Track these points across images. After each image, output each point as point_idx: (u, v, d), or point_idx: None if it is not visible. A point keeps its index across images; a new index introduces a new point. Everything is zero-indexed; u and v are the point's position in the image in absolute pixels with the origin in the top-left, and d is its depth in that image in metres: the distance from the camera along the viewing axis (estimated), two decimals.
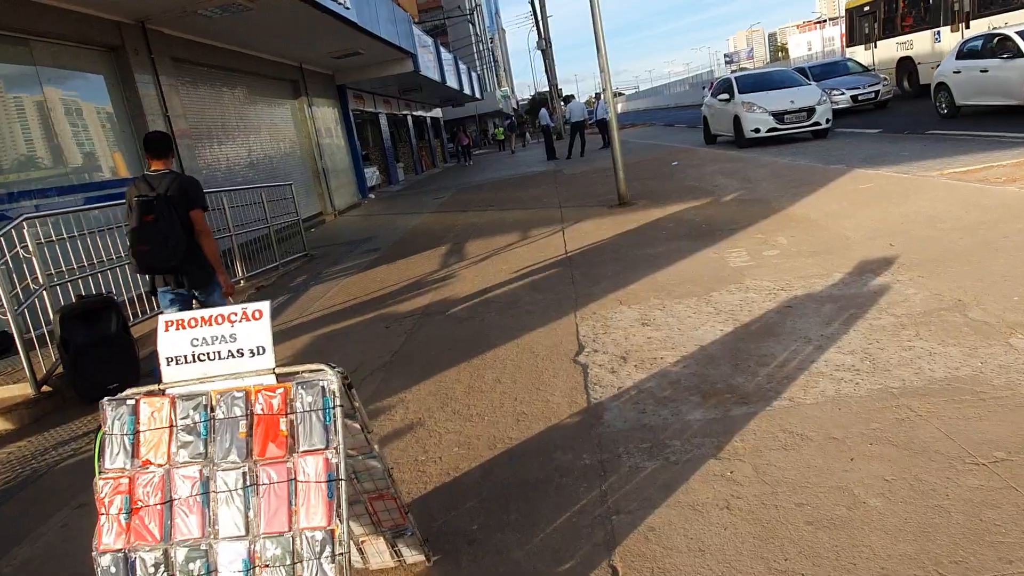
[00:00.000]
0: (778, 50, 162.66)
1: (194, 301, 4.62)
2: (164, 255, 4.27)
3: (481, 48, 54.63)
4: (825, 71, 18.38)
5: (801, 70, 18.06)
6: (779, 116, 14.10)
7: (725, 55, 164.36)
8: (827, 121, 14.13)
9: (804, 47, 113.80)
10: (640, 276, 5.92)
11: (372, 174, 21.91)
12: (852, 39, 21.05)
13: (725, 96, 15.49)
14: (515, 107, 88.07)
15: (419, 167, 29.64)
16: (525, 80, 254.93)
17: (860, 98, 17.39)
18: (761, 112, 14.24)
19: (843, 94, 17.33)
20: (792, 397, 3.28)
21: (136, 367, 5.31)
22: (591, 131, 25.10)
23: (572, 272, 6.52)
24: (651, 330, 4.55)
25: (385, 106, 24.36)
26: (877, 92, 17.39)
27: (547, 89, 43.40)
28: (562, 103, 40.44)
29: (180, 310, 4.32)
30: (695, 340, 4.23)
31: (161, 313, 3.57)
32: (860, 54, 20.21)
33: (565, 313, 5.27)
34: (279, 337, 6.08)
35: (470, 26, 49.92)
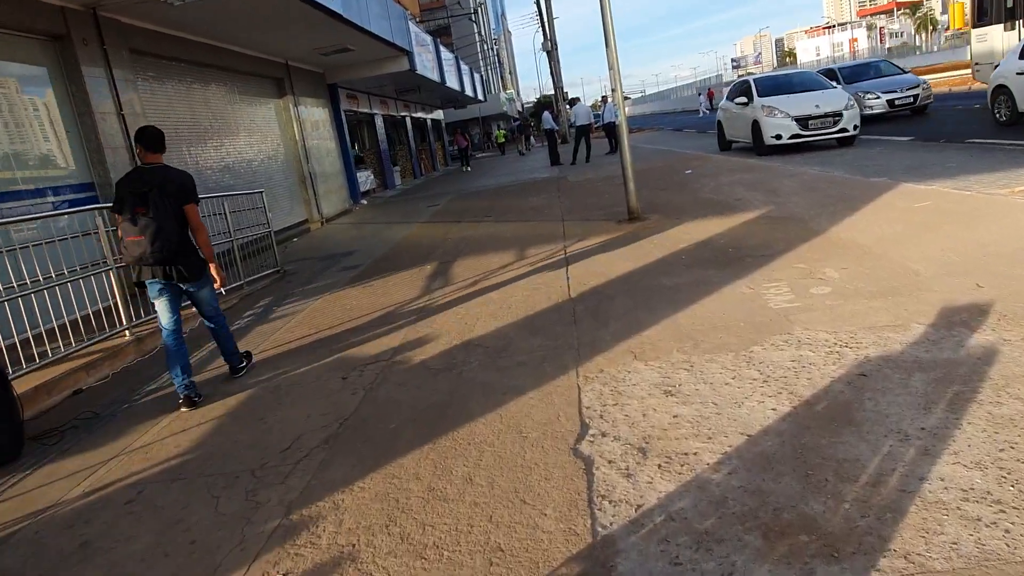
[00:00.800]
0: (785, 55, 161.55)
1: (183, 294, 4.68)
2: (156, 247, 4.26)
3: (485, 49, 53.59)
4: (856, 73, 17.04)
5: (829, 71, 16.87)
6: (803, 121, 12.96)
7: (732, 59, 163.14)
8: (855, 128, 13.01)
9: (812, 52, 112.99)
10: (658, 316, 4.79)
11: (366, 178, 20.83)
12: (984, 15, 15.63)
13: (743, 100, 14.36)
14: (520, 110, 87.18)
15: (418, 171, 28.55)
16: (530, 83, 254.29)
17: (897, 102, 16.06)
18: (783, 117, 13.11)
19: (878, 98, 16.03)
20: (908, 551, 2.14)
21: (19, 434, 4.19)
22: (597, 135, 23.98)
23: (575, 307, 5.39)
24: (677, 403, 3.42)
25: (381, 107, 23.28)
26: (916, 96, 16.03)
27: (552, 92, 42.37)
28: (567, 106, 39.40)
29: (170, 301, 4.53)
30: (739, 424, 3.10)
31: None
32: (996, 36, 15.15)
33: (565, 368, 4.15)
34: (216, 384, 4.97)
35: (474, 26, 48.87)
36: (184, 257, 4.47)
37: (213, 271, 4.69)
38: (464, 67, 30.18)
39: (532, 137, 33.27)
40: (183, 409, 4.53)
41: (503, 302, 5.94)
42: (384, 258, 9.55)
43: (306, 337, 5.91)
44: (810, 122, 12.95)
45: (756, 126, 13.69)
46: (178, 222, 4.39)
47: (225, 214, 8.42)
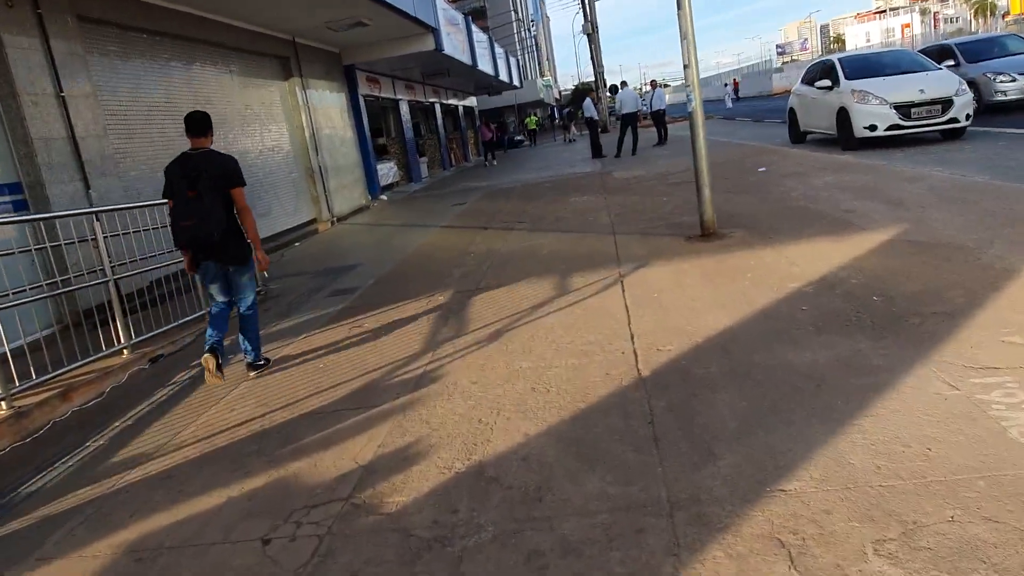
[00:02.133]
0: (832, 41, 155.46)
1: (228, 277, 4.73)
2: (206, 231, 4.37)
3: (523, 33, 51.32)
4: (978, 50, 14.05)
5: (945, 49, 14.15)
6: (903, 109, 10.69)
7: (777, 46, 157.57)
8: (967, 117, 10.74)
9: (862, 38, 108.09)
10: (803, 444, 2.77)
11: (388, 171, 18.97)
12: None
13: (825, 83, 12.08)
14: (557, 97, 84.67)
15: (447, 162, 26.62)
16: (567, 71, 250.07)
17: None
18: (879, 104, 10.83)
19: (1014, 80, 12.92)
20: None
21: None
22: (644, 124, 21.75)
23: (650, 402, 3.39)
24: None
25: (407, 92, 21.36)
26: None
27: (592, 79, 39.98)
28: (607, 93, 37.06)
29: (222, 282, 4.73)
30: None
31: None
32: None
33: (656, 567, 2.16)
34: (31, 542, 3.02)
35: (510, 6, 46.65)
36: (232, 240, 4.57)
37: (258, 254, 4.73)
38: (499, 50, 28.10)
39: (573, 126, 30.84)
40: (206, 355, 4.53)
41: (538, 376, 3.95)
42: (389, 278, 7.62)
43: (242, 427, 3.99)
44: (913, 110, 10.67)
45: (843, 114, 11.42)
46: (225, 206, 4.50)
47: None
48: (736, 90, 57.28)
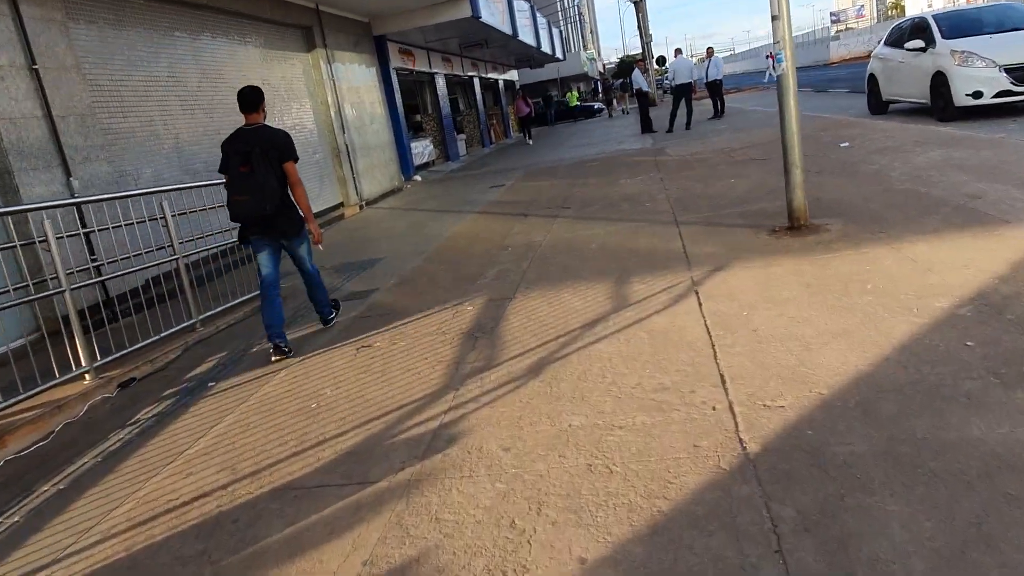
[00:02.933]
0: (891, 8, 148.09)
1: (282, 250, 4.84)
2: (260, 204, 4.42)
3: (566, 3, 49.43)
4: None
5: None
6: (1017, 72, 9.10)
7: (832, 13, 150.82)
8: None
9: (923, 2, 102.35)
10: None
11: (423, 149, 17.90)
12: None
13: (917, 44, 10.51)
14: (601, 71, 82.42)
15: (487, 139, 25.42)
16: (611, 44, 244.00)
17: None
18: (986, 66, 9.28)
19: None
20: None
21: None
22: (699, 96, 20.15)
23: (772, 513, 2.22)
24: None
25: (444, 65, 20.17)
26: None
27: (639, 51, 38.04)
28: (654, 64, 35.20)
29: (271, 256, 4.79)
30: None
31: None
32: None
33: None
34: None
35: None
36: (285, 214, 4.64)
37: (312, 227, 4.88)
38: (541, 20, 26.63)
39: (615, 100, 29.10)
40: (273, 358, 4.59)
41: (595, 444, 2.82)
42: (413, 277, 6.55)
43: (193, 505, 2.95)
44: None
45: (940, 80, 9.87)
46: (279, 180, 4.54)
47: (166, 219, 5.54)
48: (775, 64, 54.31)
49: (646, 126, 18.07)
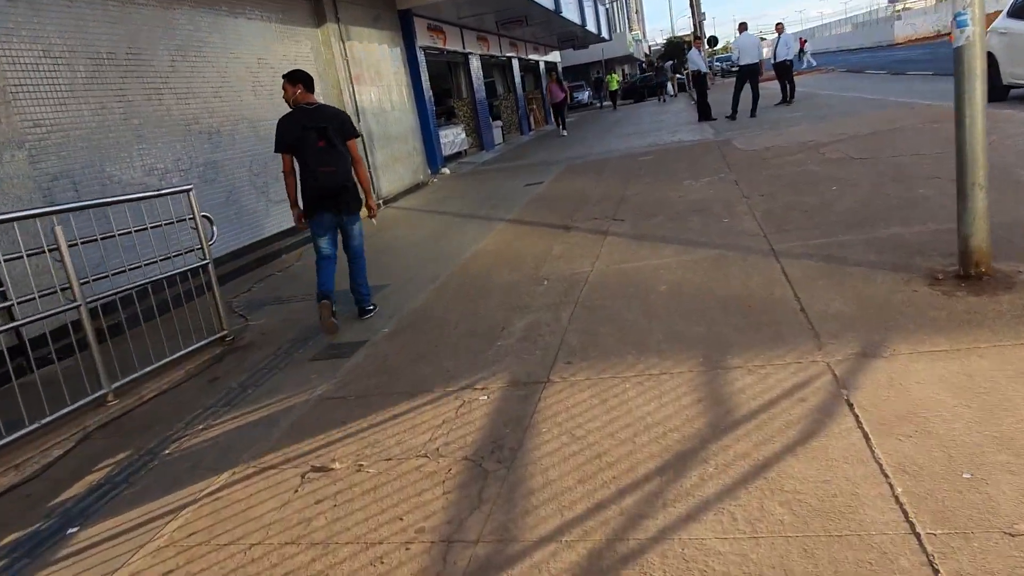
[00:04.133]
0: None
1: (338, 228, 4.99)
2: (341, 177, 4.68)
3: None
4: None
5: None
6: None
7: None
8: None
9: None
10: None
11: (455, 137, 16.21)
12: None
13: None
14: (647, 53, 79.55)
15: (525, 126, 23.60)
16: (656, 25, 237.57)
17: None
18: None
19: None
20: None
21: None
22: (765, 78, 17.97)
23: None
24: None
25: (479, 44, 18.39)
26: None
27: (687, 32, 35.52)
28: (706, 45, 32.78)
29: (331, 240, 4.99)
30: None
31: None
32: None
33: None
34: None
35: None
36: (351, 189, 4.81)
37: (369, 201, 5.19)
38: None
39: (669, 84, 26.62)
40: (321, 303, 4.82)
41: None
42: (416, 321, 4.89)
43: None
44: None
45: None
46: (348, 155, 4.77)
47: (60, 250, 3.95)
48: (803, 49, 50.60)
49: (704, 113, 16.05)
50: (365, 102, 11.26)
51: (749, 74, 14.61)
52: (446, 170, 14.28)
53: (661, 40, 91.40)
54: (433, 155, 13.92)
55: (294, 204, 4.93)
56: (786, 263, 4.58)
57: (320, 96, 10.11)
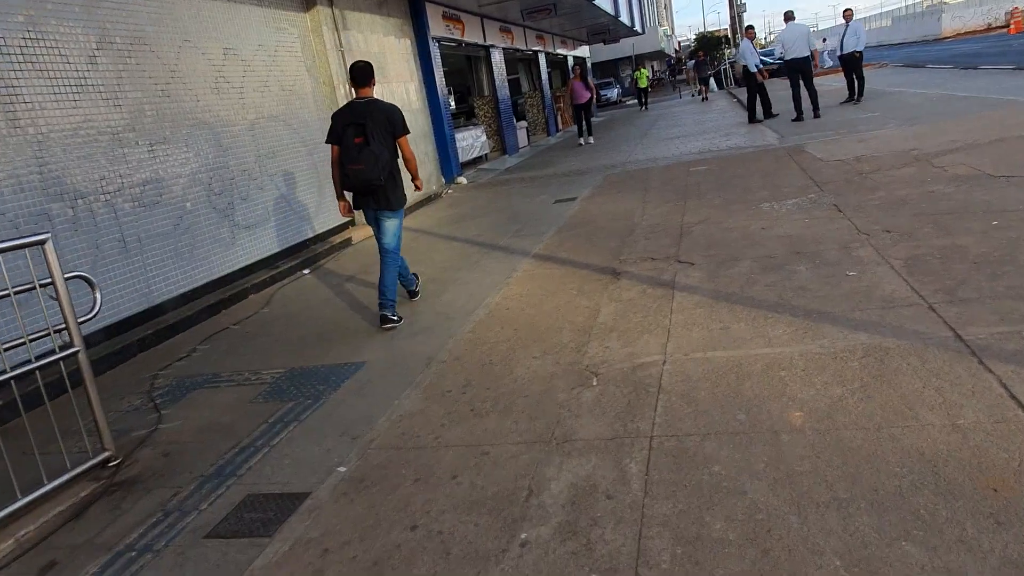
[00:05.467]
0: None
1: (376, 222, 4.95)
2: (374, 174, 4.62)
3: None
4: None
5: None
6: None
7: None
8: None
9: None
10: None
11: (474, 140, 14.42)
12: None
13: None
14: (676, 49, 77.21)
15: (553, 126, 21.73)
16: (683, 21, 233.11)
17: None
18: None
19: None
20: None
21: None
22: (826, 73, 15.85)
23: None
24: None
25: (502, 37, 16.56)
26: None
27: (718, 27, 33.00)
28: (743, 40, 30.57)
29: (377, 227, 4.97)
30: None
31: None
32: None
33: None
34: None
35: None
36: (391, 187, 4.80)
37: (416, 182, 5.15)
38: None
39: (711, 79, 24.13)
40: (383, 327, 4.81)
41: None
42: (394, 457, 3.08)
43: None
44: None
45: None
46: (391, 153, 4.73)
47: None
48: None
49: (754, 113, 14.03)
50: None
51: (800, 69, 12.56)
52: (463, 179, 12.48)
53: (691, 36, 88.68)
54: (448, 162, 12.13)
55: (339, 194, 4.98)
56: (1002, 371, 2.71)
57: (309, 96, 8.42)
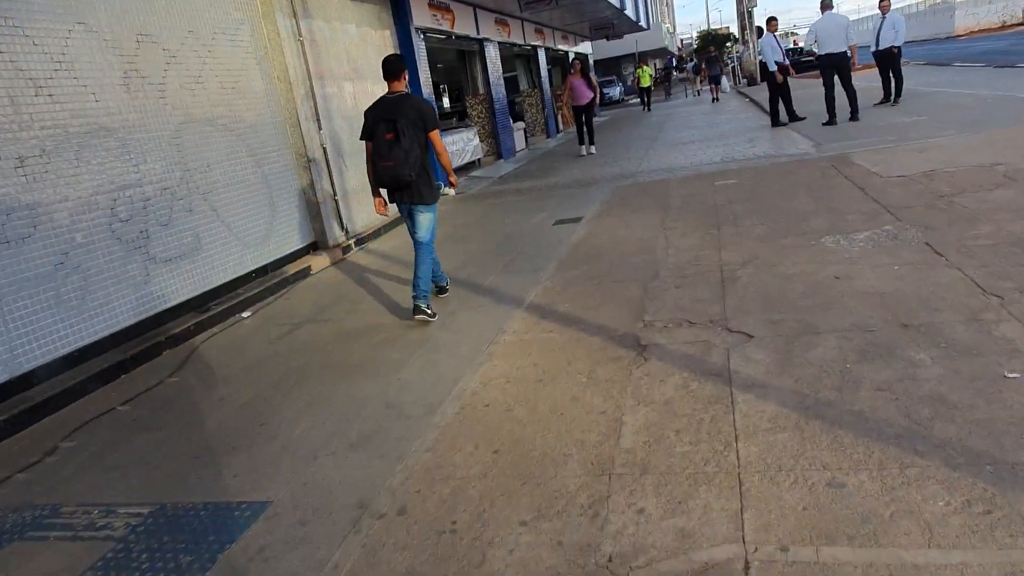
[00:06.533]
0: None
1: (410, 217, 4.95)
2: (405, 170, 4.58)
3: None
4: None
5: None
6: None
7: None
8: None
9: None
10: None
11: (465, 144, 12.96)
12: None
13: None
14: (679, 47, 75.71)
15: (553, 127, 20.24)
16: (684, 20, 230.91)
17: None
18: None
19: None
20: None
21: None
22: (861, 69, 14.33)
23: None
24: None
25: (498, 29, 15.08)
26: None
27: (720, 26, 31.35)
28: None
29: (411, 224, 4.97)
30: None
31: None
32: None
33: None
34: None
35: None
36: (423, 181, 4.77)
37: (451, 178, 5.25)
38: None
39: (724, 77, 22.17)
40: (415, 317, 4.78)
41: None
42: None
43: None
44: None
45: None
46: (421, 148, 4.69)
47: None
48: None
49: (779, 116, 12.55)
50: (332, 104, 8.04)
51: (838, 65, 11.09)
52: (450, 190, 10.98)
53: (693, 34, 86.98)
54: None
55: (374, 190, 4.92)
56: None
57: (259, 95, 6.99)
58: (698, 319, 3.92)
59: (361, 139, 4.88)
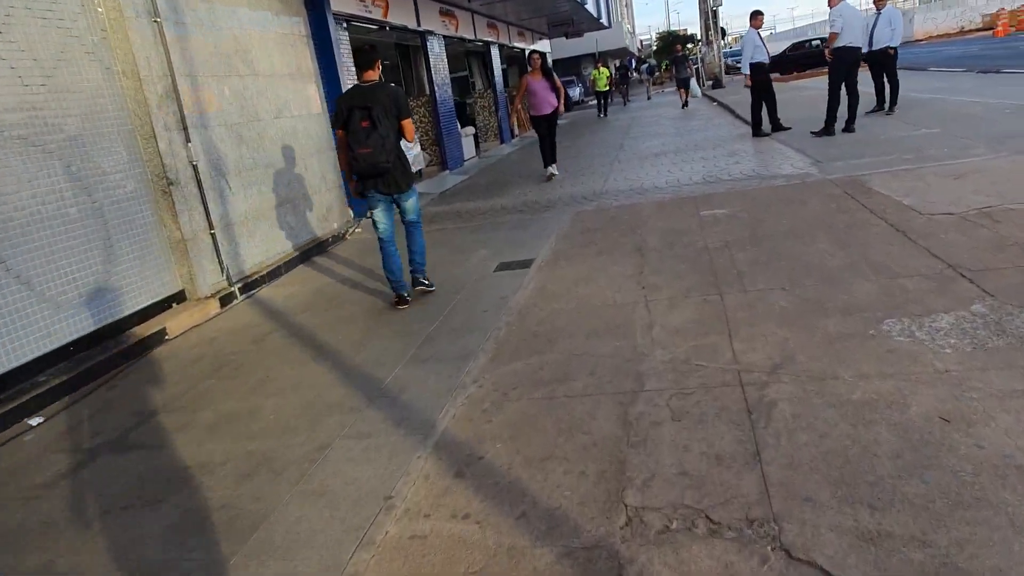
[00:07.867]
0: None
1: (394, 204, 5.03)
2: (383, 157, 4.63)
3: None
4: None
5: None
6: None
7: None
8: None
9: None
10: None
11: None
12: None
13: None
14: (639, 47, 74.73)
15: (507, 132, 18.48)
16: (643, 21, 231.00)
17: None
18: None
19: None
20: None
21: None
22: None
23: None
24: None
25: (444, 22, 13.26)
26: None
27: (680, 27, 29.56)
28: (720, 39, 27.71)
29: (387, 210, 5.01)
30: None
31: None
32: None
33: None
34: None
35: None
36: (399, 168, 4.84)
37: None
38: None
39: (694, 81, 20.51)
40: (398, 306, 4.99)
41: None
42: None
43: None
44: None
45: None
46: (397, 136, 4.74)
47: None
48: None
49: (760, 124, 11.01)
50: (210, 108, 6.15)
51: (852, 64, 9.55)
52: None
53: (652, 35, 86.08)
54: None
55: (348, 177, 4.95)
56: None
57: (92, 94, 5.02)
58: (724, 512, 2.21)
59: (333, 127, 4.88)
